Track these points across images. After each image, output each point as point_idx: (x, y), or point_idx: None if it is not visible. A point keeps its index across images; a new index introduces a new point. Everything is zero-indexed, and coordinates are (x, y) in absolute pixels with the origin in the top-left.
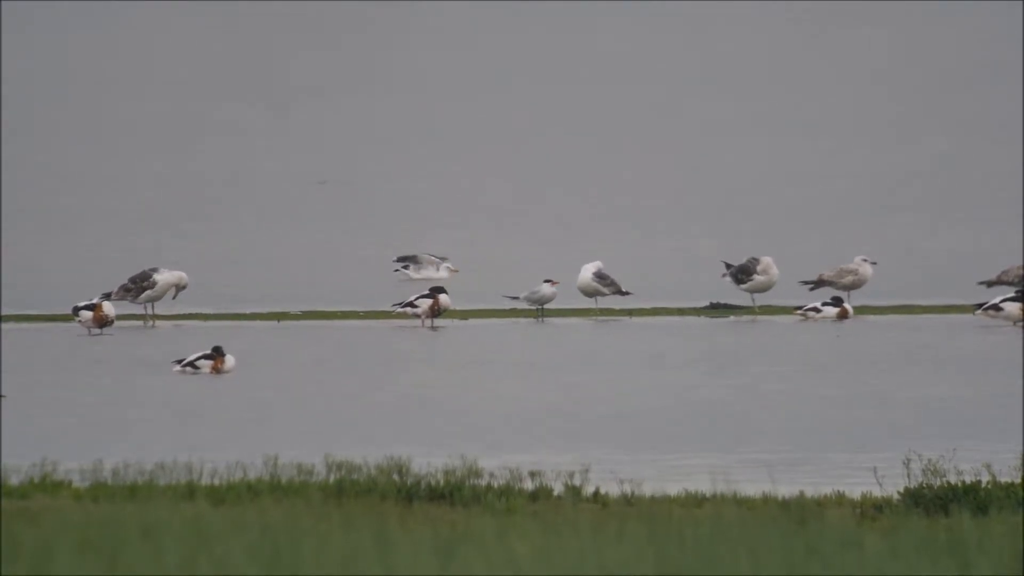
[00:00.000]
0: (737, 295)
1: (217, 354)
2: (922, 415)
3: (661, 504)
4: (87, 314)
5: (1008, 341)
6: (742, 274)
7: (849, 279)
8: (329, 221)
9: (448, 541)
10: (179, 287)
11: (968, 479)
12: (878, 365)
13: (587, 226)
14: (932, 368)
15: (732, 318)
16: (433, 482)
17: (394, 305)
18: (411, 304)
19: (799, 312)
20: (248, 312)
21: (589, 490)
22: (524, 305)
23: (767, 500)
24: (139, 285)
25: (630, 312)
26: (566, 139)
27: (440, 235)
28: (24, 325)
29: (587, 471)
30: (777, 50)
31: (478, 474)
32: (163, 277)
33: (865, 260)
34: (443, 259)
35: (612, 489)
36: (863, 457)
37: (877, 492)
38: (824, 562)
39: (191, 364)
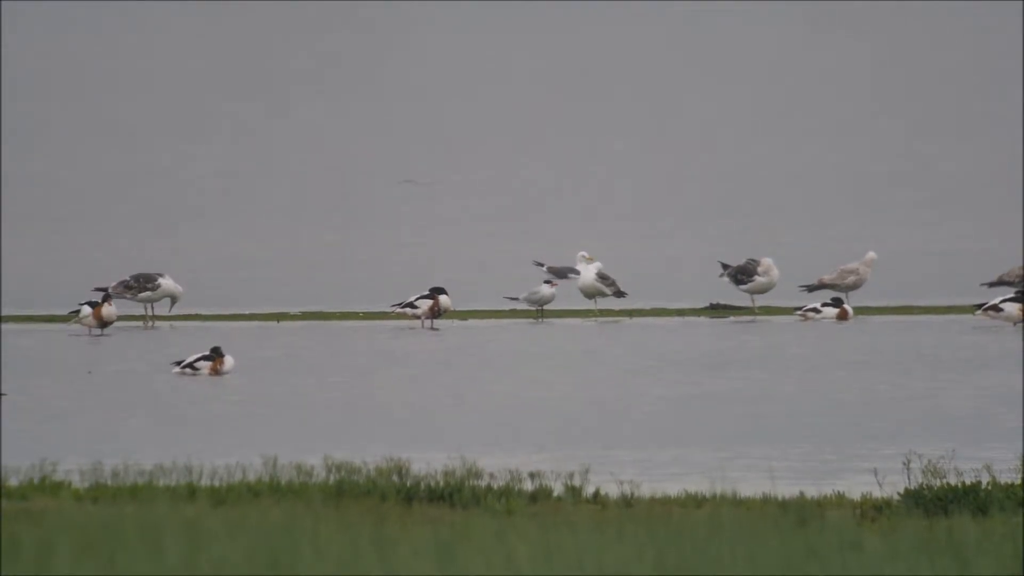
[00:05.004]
0: (737, 296)
1: (216, 355)
2: (922, 415)
3: (661, 505)
4: (87, 311)
5: (1008, 341)
6: (742, 275)
7: (851, 279)
8: (327, 221)
9: (448, 542)
10: (174, 298)
11: (968, 480)
12: (878, 365)
13: (587, 226)
14: (932, 368)
15: (732, 319)
16: (433, 483)
17: (393, 306)
18: (411, 305)
19: (799, 313)
20: (248, 312)
21: (589, 491)
22: (524, 306)
23: (767, 500)
24: (142, 284)
25: (630, 313)
26: (565, 139)
27: (439, 234)
28: (24, 325)
29: (587, 472)
30: (777, 49)
31: (478, 475)
32: (167, 283)
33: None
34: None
35: (612, 490)
36: (863, 457)
37: (877, 493)
38: (824, 563)
39: (190, 365)
